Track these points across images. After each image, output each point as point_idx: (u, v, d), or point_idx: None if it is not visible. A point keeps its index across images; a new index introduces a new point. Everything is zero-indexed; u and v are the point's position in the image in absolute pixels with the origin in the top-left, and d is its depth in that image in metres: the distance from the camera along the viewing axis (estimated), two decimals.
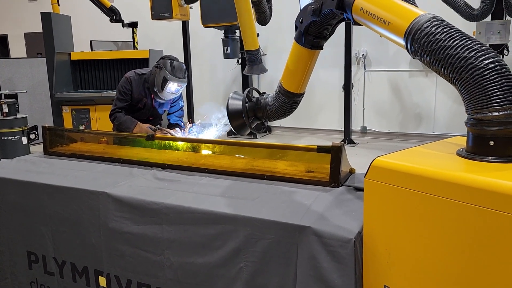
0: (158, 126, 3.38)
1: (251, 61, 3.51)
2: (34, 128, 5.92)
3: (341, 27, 6.34)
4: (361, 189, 1.68)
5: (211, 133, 3.02)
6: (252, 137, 7.24)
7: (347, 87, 6.86)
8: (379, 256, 1.33)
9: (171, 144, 2.46)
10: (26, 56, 10.17)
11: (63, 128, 5.53)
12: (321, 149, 1.91)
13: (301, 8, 1.65)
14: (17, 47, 11.04)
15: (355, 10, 1.43)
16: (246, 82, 7.56)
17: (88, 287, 2.03)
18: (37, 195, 2.11)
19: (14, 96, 6.59)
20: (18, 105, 6.25)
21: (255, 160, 2.19)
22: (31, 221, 2.15)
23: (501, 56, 5.00)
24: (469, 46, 1.17)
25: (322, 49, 1.71)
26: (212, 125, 2.97)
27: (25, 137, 5.74)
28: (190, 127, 3.31)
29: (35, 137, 5.95)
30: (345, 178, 1.92)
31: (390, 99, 7.20)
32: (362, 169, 1.55)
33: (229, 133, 6.28)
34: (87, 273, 2.02)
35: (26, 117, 5.86)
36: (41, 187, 2.10)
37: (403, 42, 1.30)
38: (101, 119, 6.17)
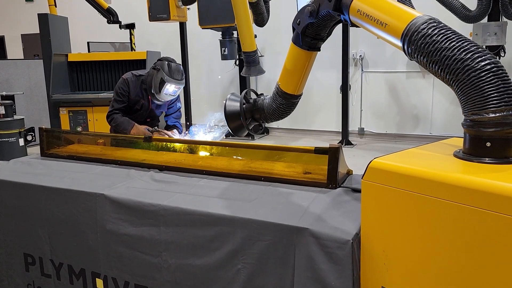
0: (156, 127, 3.37)
1: (248, 62, 3.50)
2: (31, 129, 5.91)
3: (339, 28, 6.36)
4: (358, 191, 1.68)
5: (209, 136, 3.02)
6: (250, 138, 7.24)
7: (345, 88, 6.87)
8: (376, 257, 1.33)
9: (169, 145, 2.45)
10: (23, 58, 10.14)
11: (60, 129, 5.52)
12: (318, 151, 1.91)
13: (299, 9, 1.65)
14: (14, 49, 11.00)
15: (352, 11, 1.43)
16: (243, 83, 7.56)
17: None
18: (34, 197, 2.11)
19: (11, 97, 6.57)
20: (15, 106, 6.23)
21: (252, 161, 2.19)
22: (28, 223, 2.14)
23: (497, 57, 5.02)
24: (466, 47, 1.17)
25: (319, 50, 1.72)
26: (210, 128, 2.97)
27: (22, 139, 5.74)
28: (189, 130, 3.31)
29: (32, 138, 5.94)
30: (343, 180, 1.93)
31: (388, 101, 7.21)
32: (360, 170, 1.56)
33: (227, 135, 6.29)
34: (84, 275, 2.01)
35: (23, 118, 5.85)
36: (38, 189, 2.09)
37: (400, 44, 1.30)
38: (98, 121, 6.16)
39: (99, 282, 1.97)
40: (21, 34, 10.79)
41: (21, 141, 5.74)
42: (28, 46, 10.70)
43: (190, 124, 3.36)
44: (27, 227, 2.15)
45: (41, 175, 2.24)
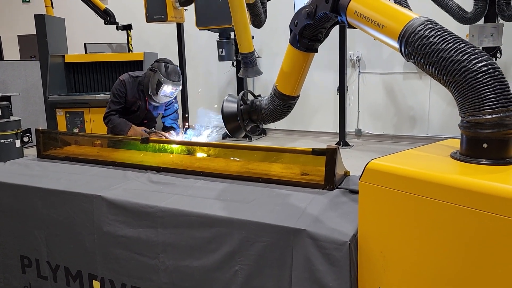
0: (153, 129, 3.37)
1: (246, 63, 3.50)
2: (28, 131, 5.88)
3: (336, 30, 6.36)
4: (356, 192, 1.69)
5: (206, 135, 3.02)
6: (247, 139, 7.24)
7: (342, 89, 6.88)
8: (374, 258, 1.33)
9: (166, 147, 2.45)
10: (19, 59, 10.10)
11: (56, 131, 5.49)
12: (316, 152, 1.91)
13: (296, 11, 1.66)
14: (10, 50, 10.96)
15: (349, 13, 1.44)
16: (241, 84, 7.56)
17: None
18: (30, 199, 2.10)
19: (8, 98, 6.53)
20: (11, 107, 6.20)
21: (250, 162, 2.19)
22: (25, 225, 2.13)
23: (494, 59, 5.03)
24: (463, 49, 1.17)
25: (316, 51, 1.72)
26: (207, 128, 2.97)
27: (19, 140, 5.70)
28: (185, 129, 3.31)
29: (29, 140, 5.90)
30: (340, 181, 1.93)
31: (385, 102, 7.23)
32: (357, 172, 1.56)
33: (224, 136, 6.28)
34: (81, 277, 2.00)
35: (19, 120, 5.81)
36: (34, 191, 2.09)
37: (397, 45, 1.31)
38: (95, 122, 6.13)
39: (96, 284, 1.96)
40: (18, 35, 10.75)
41: (18, 143, 5.70)
42: (25, 47, 10.67)
43: (189, 126, 3.33)
44: (24, 229, 2.14)
45: (37, 177, 2.24)
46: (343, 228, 1.44)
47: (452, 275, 1.13)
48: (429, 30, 1.23)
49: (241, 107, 1.92)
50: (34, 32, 6.56)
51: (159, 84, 3.17)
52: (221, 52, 6.40)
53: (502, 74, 1.16)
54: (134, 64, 6.32)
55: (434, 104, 6.80)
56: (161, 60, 3.27)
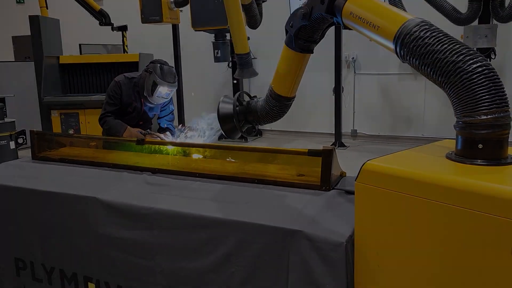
0: (148, 130, 3.36)
1: (241, 64, 3.49)
2: (22, 132, 5.84)
3: (331, 31, 6.36)
4: (352, 193, 1.68)
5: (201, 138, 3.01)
6: (243, 140, 7.23)
7: (337, 90, 6.89)
8: (370, 259, 1.33)
9: (162, 148, 2.44)
10: (14, 60, 10.04)
11: (51, 132, 5.47)
12: (312, 153, 1.91)
13: (291, 12, 1.66)
14: (4, 51, 10.90)
15: (345, 14, 1.44)
16: (236, 85, 7.56)
17: None
18: (25, 201, 2.09)
19: (2, 100, 6.49)
20: (5, 109, 6.16)
21: (246, 164, 2.19)
22: (19, 227, 2.12)
23: (488, 59, 5.06)
24: (457, 50, 1.18)
25: (312, 53, 1.72)
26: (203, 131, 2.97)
27: (13, 142, 5.66)
28: (182, 131, 3.29)
29: (23, 141, 5.87)
30: (336, 182, 1.93)
31: (380, 102, 7.25)
32: (353, 172, 1.56)
33: (220, 137, 6.26)
34: (76, 279, 1.99)
35: (14, 121, 5.78)
36: (29, 193, 2.07)
37: (392, 46, 1.31)
38: (90, 123, 6.11)
39: (92, 287, 1.95)
40: (12, 36, 10.69)
41: (12, 144, 5.66)
42: (19, 48, 10.60)
43: (183, 127, 3.32)
44: (18, 231, 2.13)
45: (32, 179, 2.22)
46: (340, 229, 1.44)
47: (448, 275, 1.14)
48: (424, 31, 1.23)
49: (237, 108, 1.91)
50: (29, 33, 6.53)
51: (154, 86, 3.16)
52: (217, 53, 6.39)
53: (497, 75, 1.16)
54: (129, 65, 6.30)
55: (429, 105, 6.83)
56: (157, 61, 3.26)
